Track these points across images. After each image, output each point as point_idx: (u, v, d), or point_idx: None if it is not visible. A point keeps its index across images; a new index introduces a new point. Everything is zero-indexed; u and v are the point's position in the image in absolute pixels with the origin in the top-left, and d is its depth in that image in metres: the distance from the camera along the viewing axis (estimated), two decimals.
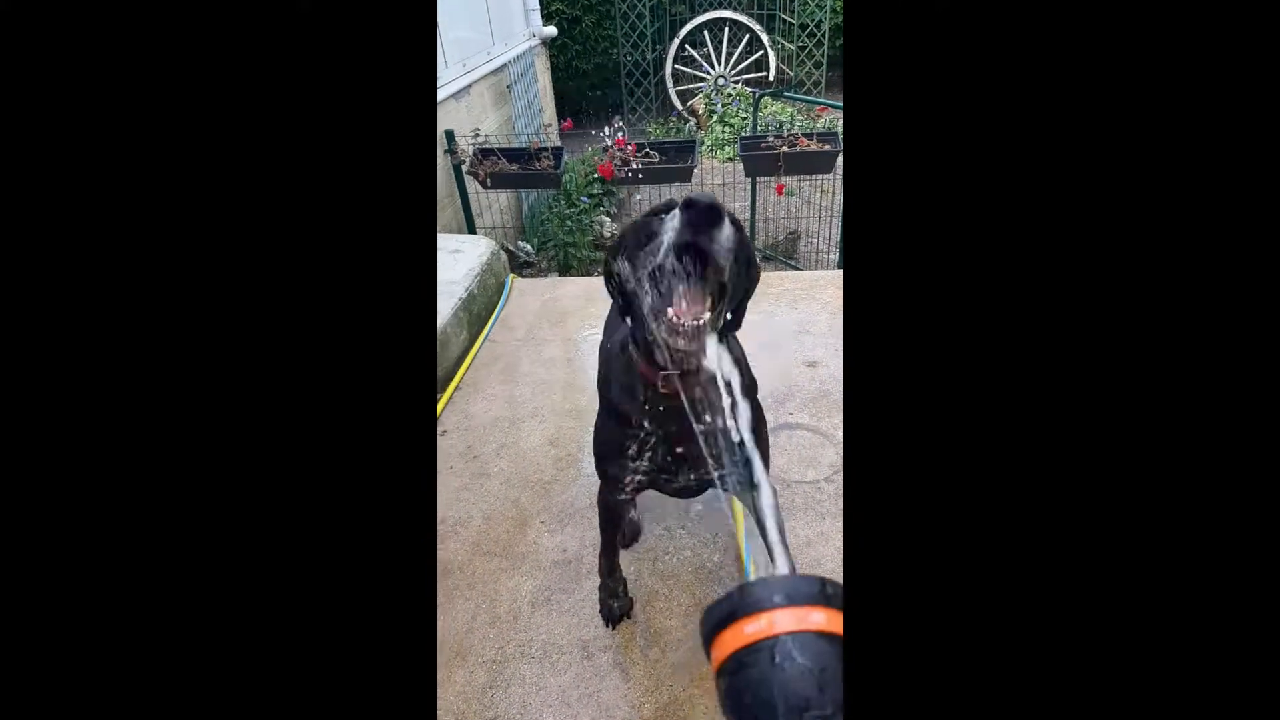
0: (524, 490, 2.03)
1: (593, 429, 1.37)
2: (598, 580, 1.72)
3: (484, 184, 3.72)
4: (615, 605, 1.59)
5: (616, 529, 1.52)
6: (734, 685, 0.47)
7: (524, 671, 1.50)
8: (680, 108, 7.80)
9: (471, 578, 1.74)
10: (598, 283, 3.60)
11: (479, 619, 1.63)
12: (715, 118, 7.02)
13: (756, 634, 0.47)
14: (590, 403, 2.44)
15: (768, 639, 0.46)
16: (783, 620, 0.47)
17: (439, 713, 1.42)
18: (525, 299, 3.16)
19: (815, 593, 0.48)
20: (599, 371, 1.44)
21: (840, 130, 4.01)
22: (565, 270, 4.47)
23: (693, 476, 1.22)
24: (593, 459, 1.33)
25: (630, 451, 1.22)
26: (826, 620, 0.47)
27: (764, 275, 3.46)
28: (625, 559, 1.73)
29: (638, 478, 1.26)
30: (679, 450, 1.19)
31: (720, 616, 0.49)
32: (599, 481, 1.39)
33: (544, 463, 2.14)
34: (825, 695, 0.44)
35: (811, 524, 1.82)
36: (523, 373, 2.64)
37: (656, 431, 1.18)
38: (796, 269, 4.36)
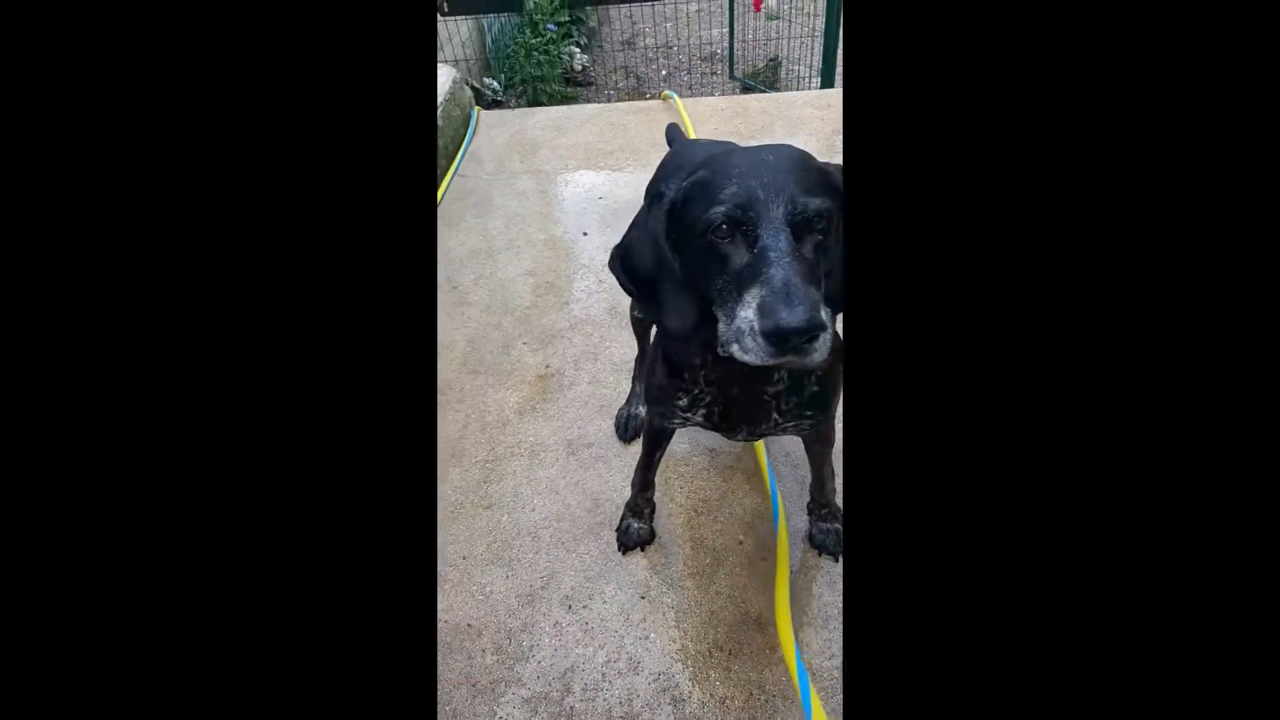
0: (504, 316, 2.09)
1: (644, 359, 1.21)
2: (582, 390, 1.82)
3: (442, 10, 3.45)
4: (635, 526, 1.43)
5: (659, 448, 1.36)
6: None
7: (514, 467, 1.63)
8: None
9: (461, 392, 1.84)
10: (568, 112, 3.45)
11: (470, 427, 1.74)
12: None
13: None
14: (565, 235, 2.44)
15: None
16: None
17: (439, 503, 1.56)
18: (493, 132, 3.05)
19: None
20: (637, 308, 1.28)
21: None
22: (535, 105, 4.26)
23: (750, 431, 1.11)
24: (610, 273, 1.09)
25: (682, 403, 1.09)
26: None
27: (742, 101, 3.33)
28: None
29: (690, 422, 1.13)
30: (737, 411, 1.06)
31: None
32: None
33: (523, 290, 2.18)
34: None
35: None
36: (496, 206, 2.60)
37: (712, 391, 1.05)
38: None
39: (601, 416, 1.73)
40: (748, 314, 0.74)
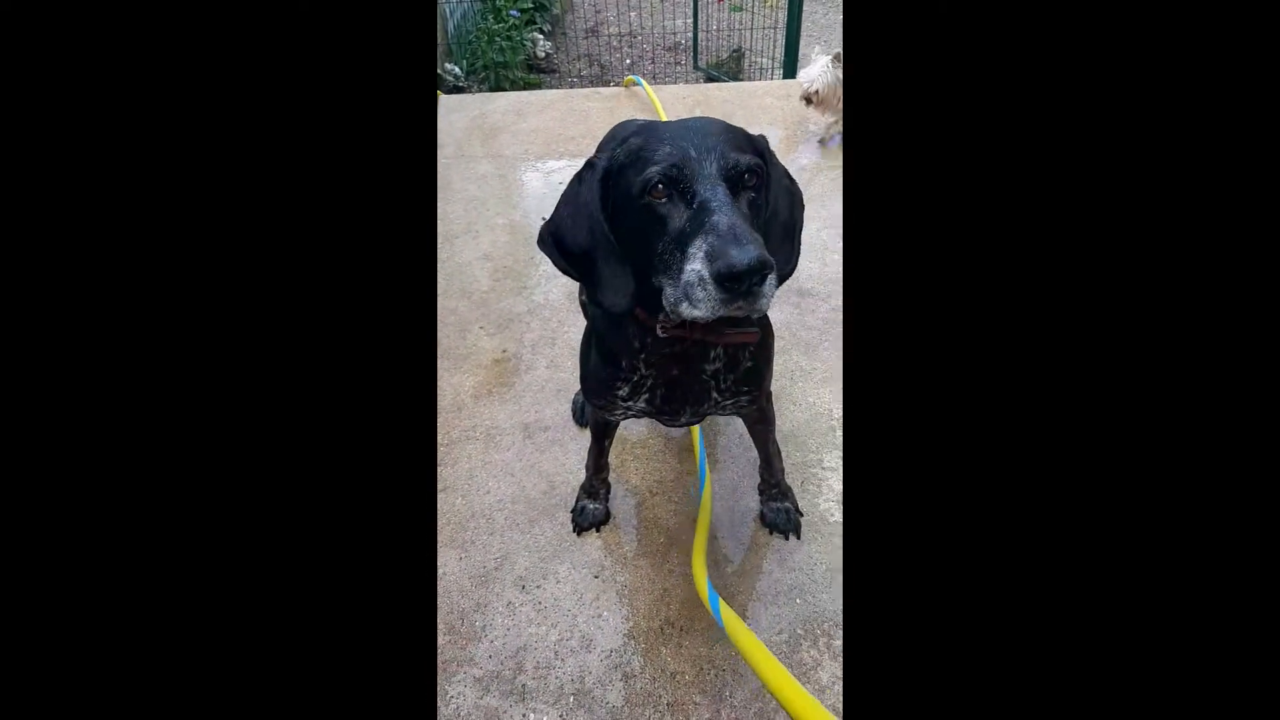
0: (462, 300, 2.07)
1: (580, 347, 1.20)
2: (540, 374, 1.81)
3: None
4: (591, 507, 1.43)
5: (608, 436, 1.37)
6: None
7: (470, 450, 1.62)
8: None
9: None
10: (529, 97, 3.42)
11: None
12: None
13: None
14: (525, 220, 2.43)
15: None
16: None
17: None
18: (453, 116, 3.01)
19: None
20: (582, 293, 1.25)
21: None
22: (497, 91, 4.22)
23: (693, 413, 1.10)
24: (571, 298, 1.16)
25: (623, 393, 1.07)
26: None
27: (705, 90, 3.33)
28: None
29: (630, 412, 1.12)
30: (679, 392, 1.06)
31: None
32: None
33: (480, 275, 2.16)
34: None
35: None
36: (455, 190, 2.57)
37: (653, 375, 1.04)
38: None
39: (559, 400, 1.73)
40: (695, 265, 0.74)
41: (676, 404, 1.07)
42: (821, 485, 1.50)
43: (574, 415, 1.68)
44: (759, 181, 0.83)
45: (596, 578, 1.36)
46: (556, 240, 0.91)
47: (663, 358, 1.01)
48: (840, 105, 2.52)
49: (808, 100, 2.50)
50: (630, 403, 1.08)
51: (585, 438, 1.62)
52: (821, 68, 2.48)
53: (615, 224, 0.86)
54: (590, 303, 1.08)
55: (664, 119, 2.79)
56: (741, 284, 0.71)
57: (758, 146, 0.87)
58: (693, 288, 0.74)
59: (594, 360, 1.09)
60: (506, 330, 1.95)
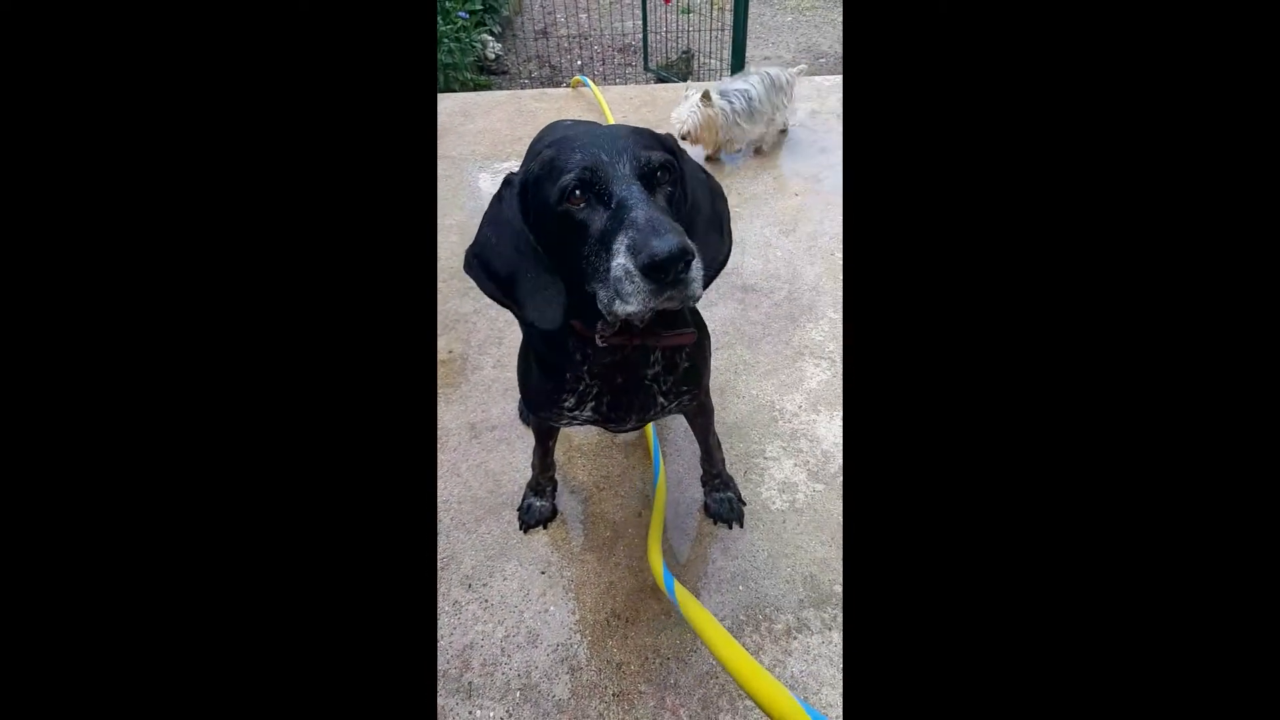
0: None
1: (517, 362, 1.19)
2: (486, 374, 1.81)
3: None
4: (537, 505, 1.44)
5: (551, 438, 1.38)
6: None
7: None
8: None
9: None
10: (476, 98, 3.39)
11: None
12: None
13: None
14: (470, 220, 2.42)
15: None
16: None
17: None
18: None
19: None
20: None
21: None
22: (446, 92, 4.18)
23: (639, 419, 1.11)
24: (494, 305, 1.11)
25: (568, 404, 1.07)
26: None
27: (652, 90, 3.36)
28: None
29: (577, 421, 1.12)
30: (625, 399, 1.06)
31: None
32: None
33: None
34: None
35: None
36: None
37: (597, 384, 1.04)
38: None
39: (505, 399, 1.73)
40: (620, 260, 0.75)
41: (622, 411, 1.08)
42: (764, 475, 1.54)
43: (521, 417, 1.68)
44: (673, 177, 0.85)
45: (543, 574, 1.36)
46: (483, 263, 0.90)
47: (605, 367, 1.01)
48: (713, 138, 2.61)
49: (682, 138, 2.57)
50: (576, 412, 1.08)
51: (531, 437, 1.63)
52: (691, 107, 2.57)
53: (540, 237, 0.86)
54: (523, 325, 1.08)
55: (610, 120, 2.81)
56: (667, 273, 0.72)
57: (667, 145, 0.89)
58: (621, 283, 0.75)
59: (535, 375, 1.09)
60: (452, 330, 1.94)
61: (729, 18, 4.14)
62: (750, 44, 3.93)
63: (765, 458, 1.57)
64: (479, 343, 1.90)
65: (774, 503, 1.48)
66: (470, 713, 1.16)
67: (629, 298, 0.75)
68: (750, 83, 2.62)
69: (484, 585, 1.35)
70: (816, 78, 3.54)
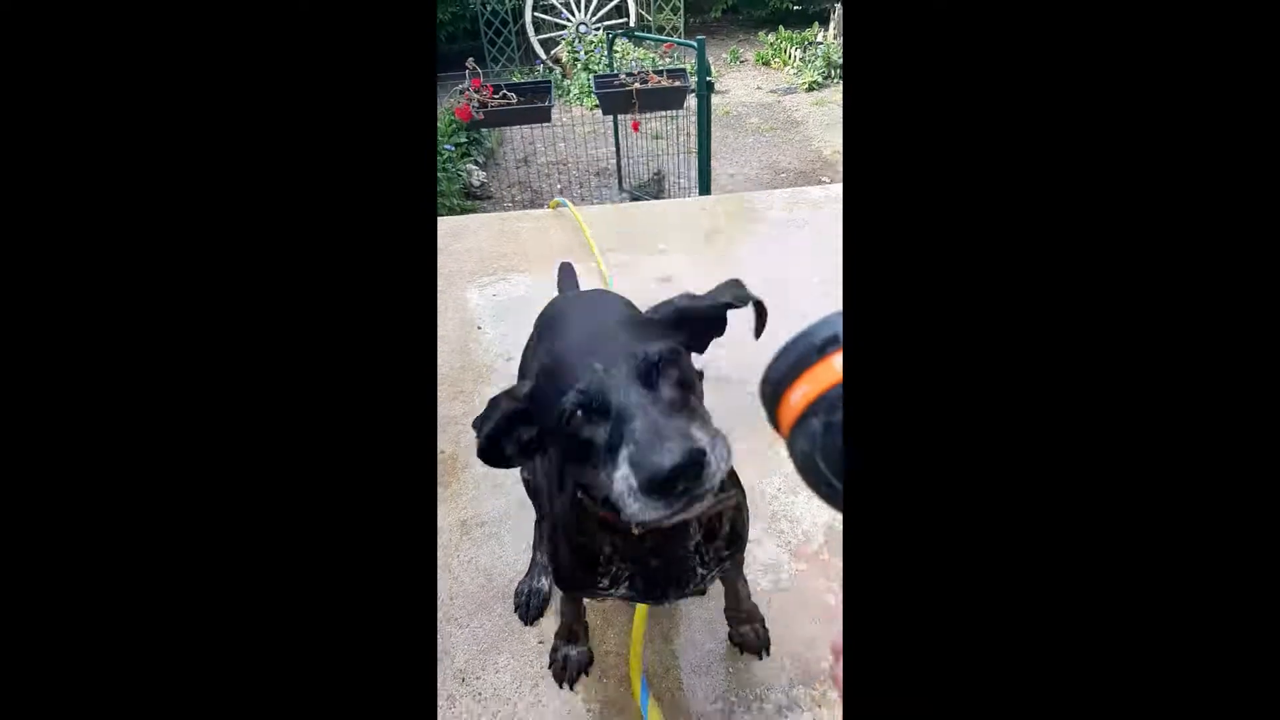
0: None
1: (544, 537, 1.16)
2: (476, 471, 1.87)
3: None
4: (574, 654, 1.33)
5: (581, 600, 1.31)
6: (831, 430, 0.44)
7: None
8: (544, 56, 7.75)
9: None
10: (465, 220, 3.64)
11: None
12: (579, 65, 7.06)
13: (828, 382, 0.45)
14: (460, 331, 2.55)
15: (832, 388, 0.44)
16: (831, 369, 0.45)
17: None
18: None
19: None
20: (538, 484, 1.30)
21: (687, 67, 4.22)
22: None
23: (676, 593, 1.06)
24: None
25: (603, 584, 1.03)
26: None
27: (627, 208, 3.63)
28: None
29: (613, 596, 1.07)
30: (661, 577, 1.01)
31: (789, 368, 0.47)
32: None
33: None
34: None
35: None
36: None
37: (632, 567, 1.00)
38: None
39: (496, 495, 1.79)
40: (623, 472, 0.71)
41: (661, 587, 1.03)
42: (749, 558, 1.58)
43: (518, 611, 1.48)
44: (677, 357, 0.81)
45: (535, 664, 1.38)
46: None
47: (640, 552, 0.97)
48: None
49: None
50: (612, 589, 1.04)
51: (523, 529, 1.67)
52: None
53: (554, 442, 0.86)
54: (549, 510, 1.08)
55: (588, 236, 3.03)
56: (676, 485, 0.67)
57: (663, 324, 0.88)
58: (625, 499, 0.71)
59: (567, 558, 1.05)
60: (445, 432, 2.02)
61: (693, 142, 4.54)
62: (716, 163, 4.29)
63: (749, 541, 1.63)
64: (469, 443, 1.98)
65: (759, 584, 1.52)
66: None
67: (638, 515, 0.72)
68: None
69: (477, 678, 1.36)
70: (777, 191, 3.85)
